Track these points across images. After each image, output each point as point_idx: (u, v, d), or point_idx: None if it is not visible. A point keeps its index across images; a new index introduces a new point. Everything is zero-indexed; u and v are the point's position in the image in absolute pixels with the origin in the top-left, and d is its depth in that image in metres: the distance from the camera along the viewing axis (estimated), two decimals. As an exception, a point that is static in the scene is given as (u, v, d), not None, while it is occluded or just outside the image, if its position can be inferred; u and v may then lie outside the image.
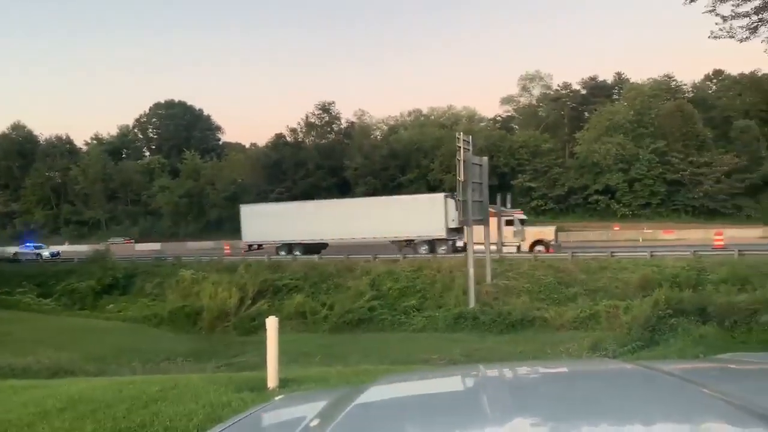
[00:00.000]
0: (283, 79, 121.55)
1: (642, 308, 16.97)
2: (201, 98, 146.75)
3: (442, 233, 30.80)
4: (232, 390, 6.91)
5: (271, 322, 7.30)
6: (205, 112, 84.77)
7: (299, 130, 70.30)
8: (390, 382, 2.07)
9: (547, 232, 31.44)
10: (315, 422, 1.39)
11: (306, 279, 27.27)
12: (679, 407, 1.19)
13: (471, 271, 22.45)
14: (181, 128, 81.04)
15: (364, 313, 23.72)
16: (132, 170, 72.73)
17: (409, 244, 31.87)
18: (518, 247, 29.43)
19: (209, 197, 65.54)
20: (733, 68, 62.60)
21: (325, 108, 68.62)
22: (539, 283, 23.68)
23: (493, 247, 26.24)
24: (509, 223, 29.93)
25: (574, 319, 20.15)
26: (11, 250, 43.32)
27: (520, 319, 20.97)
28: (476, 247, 22.73)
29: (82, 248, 44.84)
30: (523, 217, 32.47)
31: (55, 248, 45.63)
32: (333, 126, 69.49)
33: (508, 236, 29.54)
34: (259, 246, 35.13)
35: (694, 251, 24.65)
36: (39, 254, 41.46)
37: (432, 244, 31.13)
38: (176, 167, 70.97)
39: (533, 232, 30.72)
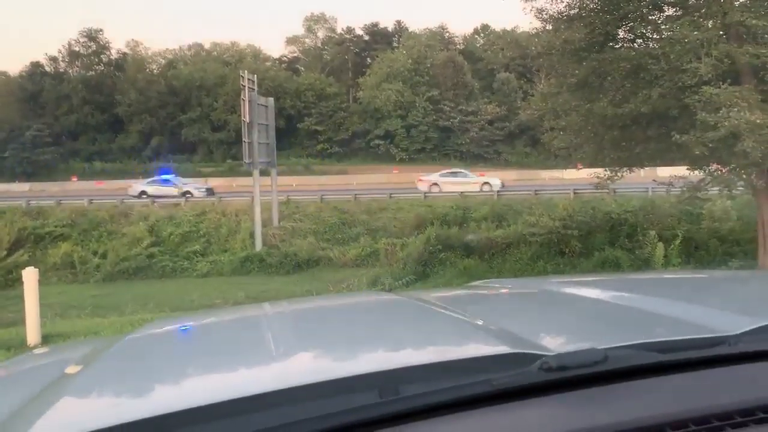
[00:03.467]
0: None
1: (416, 245, 18.46)
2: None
3: None
4: (-18, 351, 6.15)
5: (29, 273, 6.57)
6: (-64, 31, 70.99)
7: (61, 59, 62.33)
8: (163, 324, 1.98)
9: None
10: (73, 370, 1.26)
11: (74, 226, 24.84)
12: (432, 330, 1.33)
13: (257, 213, 22.32)
14: None
15: (142, 260, 22.43)
16: None
17: None
18: None
19: (-55, 133, 55.73)
20: (498, 24, 68.67)
21: (92, 36, 61.38)
22: (324, 224, 24.37)
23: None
24: None
25: (357, 257, 21.20)
26: None
27: (306, 259, 21.50)
28: None
29: None
30: None
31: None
32: (101, 56, 62.61)
33: None
34: None
35: (461, 192, 27.16)
36: None
37: None
38: None
39: None
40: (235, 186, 36.25)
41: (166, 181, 34.07)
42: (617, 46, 12.65)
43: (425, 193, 29.44)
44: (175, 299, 16.80)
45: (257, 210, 22.38)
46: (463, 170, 34.58)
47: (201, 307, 14.27)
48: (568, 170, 35.16)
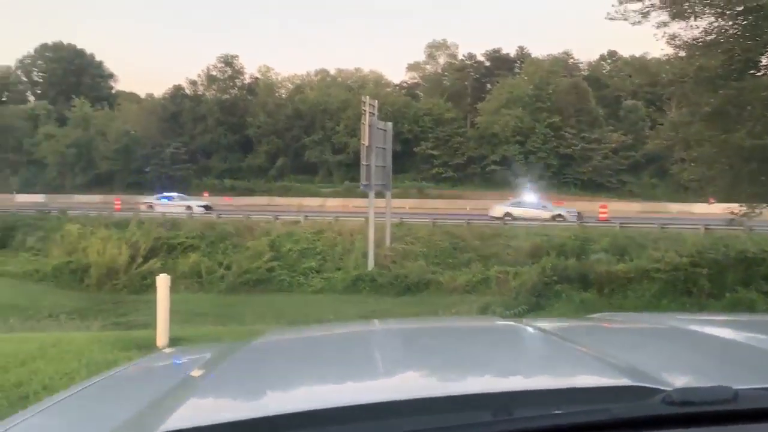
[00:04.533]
0: (184, 28, 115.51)
1: (530, 275, 17.93)
2: (92, 42, 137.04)
3: None
4: (118, 349, 6.69)
5: (162, 280, 7.10)
6: (97, 58, 79.32)
7: (200, 82, 67.44)
8: (281, 335, 2.09)
9: None
10: (200, 371, 1.39)
11: (203, 238, 26.51)
12: (548, 358, 1.34)
13: (371, 234, 22.72)
14: (70, 73, 75.29)
15: (263, 273, 23.44)
16: (13, 115, 66.91)
17: None
18: None
19: (99, 149, 61.75)
20: (626, 50, 65.98)
21: (228, 61, 66.01)
22: (436, 248, 24.35)
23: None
24: None
25: (467, 283, 20.93)
26: None
27: (416, 282, 21.52)
28: None
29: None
30: None
31: None
32: (236, 81, 67.03)
33: None
34: None
35: (581, 222, 26.20)
36: None
37: None
38: (63, 115, 66.14)
39: None
40: (352, 207, 37.25)
41: (533, 203, 33.51)
42: (759, 74, 11.78)
43: None
44: (291, 312, 17.45)
45: (371, 230, 22.78)
46: None
47: (315, 322, 14.70)
48: (697, 204, 32.96)
